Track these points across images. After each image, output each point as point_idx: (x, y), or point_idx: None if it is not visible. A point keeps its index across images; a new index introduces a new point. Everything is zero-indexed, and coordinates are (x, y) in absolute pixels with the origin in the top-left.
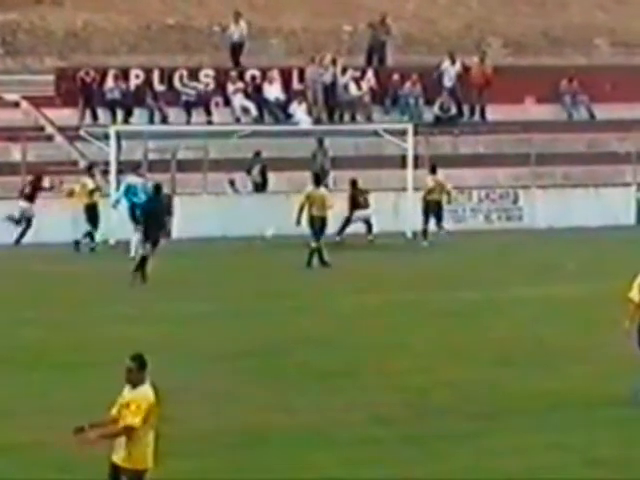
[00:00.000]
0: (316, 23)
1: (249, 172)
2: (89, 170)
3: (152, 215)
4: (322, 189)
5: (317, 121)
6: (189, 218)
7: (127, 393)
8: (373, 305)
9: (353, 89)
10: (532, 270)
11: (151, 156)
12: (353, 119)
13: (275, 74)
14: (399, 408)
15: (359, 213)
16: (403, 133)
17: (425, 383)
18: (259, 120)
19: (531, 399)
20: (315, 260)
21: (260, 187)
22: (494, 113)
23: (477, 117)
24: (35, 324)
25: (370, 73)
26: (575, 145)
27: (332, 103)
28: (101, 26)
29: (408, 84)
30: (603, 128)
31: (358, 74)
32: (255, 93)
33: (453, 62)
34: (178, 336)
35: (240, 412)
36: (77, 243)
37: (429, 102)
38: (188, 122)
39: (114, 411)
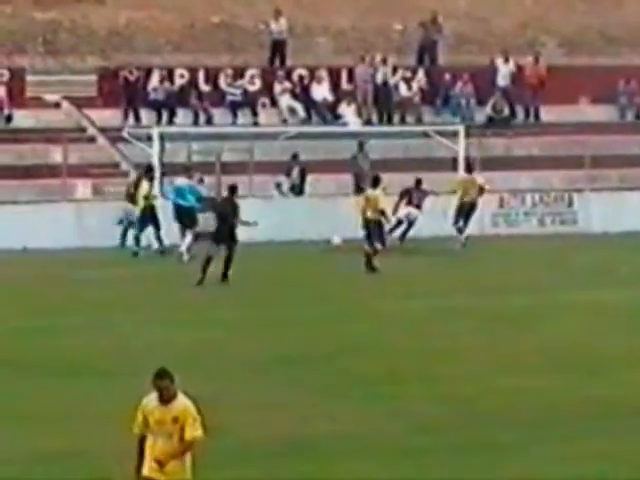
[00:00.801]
0: (365, 21)
1: (288, 175)
2: (147, 173)
3: (223, 217)
4: (377, 191)
5: (366, 122)
6: None
7: (161, 408)
8: (420, 311)
9: (403, 89)
10: (586, 275)
11: (195, 158)
12: (403, 120)
13: (323, 74)
14: (444, 417)
15: (409, 211)
16: (454, 134)
17: (471, 391)
18: (306, 121)
19: (580, 407)
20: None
21: (298, 190)
22: (548, 114)
23: (531, 118)
24: (74, 330)
25: (421, 73)
26: (631, 147)
27: (382, 104)
28: (144, 24)
29: (459, 84)
30: None
31: (408, 74)
32: (302, 93)
33: (506, 61)
34: (220, 342)
35: (282, 420)
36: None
37: (481, 103)
38: (233, 123)
39: (136, 429)
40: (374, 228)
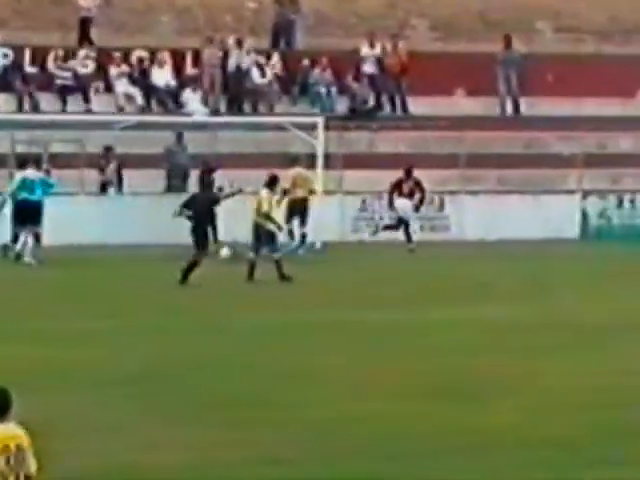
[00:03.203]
0: None
1: (101, 170)
2: (21, 166)
3: (198, 216)
4: (264, 192)
5: (214, 112)
6: (62, 222)
7: None
8: (277, 325)
9: (256, 75)
10: (459, 289)
11: (19, 149)
12: (255, 110)
13: (165, 56)
14: (301, 446)
15: (403, 204)
16: (312, 127)
17: (331, 417)
18: (145, 109)
19: (457, 437)
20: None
21: (116, 187)
22: (418, 106)
23: (398, 111)
24: None
25: (276, 57)
26: (511, 145)
27: (233, 91)
28: None
29: (318, 70)
30: (544, 126)
31: (262, 58)
32: (142, 78)
33: (372, 46)
34: (57, 358)
35: (121, 447)
36: (5, 248)
37: (343, 92)
38: (63, 110)
39: None
40: (263, 234)
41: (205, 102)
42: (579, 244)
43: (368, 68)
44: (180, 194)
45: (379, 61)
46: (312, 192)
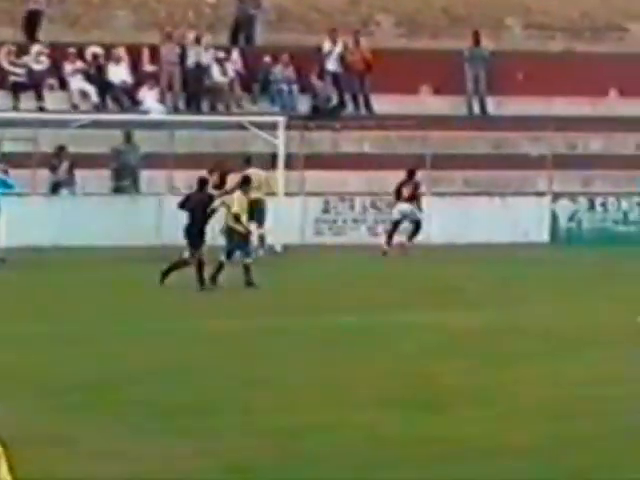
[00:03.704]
0: None
1: (54, 169)
2: None
3: (195, 213)
4: (236, 193)
5: (173, 110)
6: (15, 223)
7: None
8: (235, 331)
9: (215, 72)
10: (424, 293)
11: None
12: (214, 108)
13: (122, 52)
14: (262, 454)
15: (401, 207)
16: (273, 126)
17: (293, 425)
18: (100, 107)
19: (419, 447)
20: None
21: (68, 187)
22: (383, 105)
23: (362, 109)
24: None
25: (235, 54)
26: (479, 145)
27: (193, 89)
28: None
29: (280, 67)
30: (513, 126)
31: (221, 54)
32: (97, 75)
33: (335, 43)
34: (4, 363)
35: (70, 458)
36: None
37: (305, 90)
38: (15, 108)
39: None
40: (236, 238)
41: (163, 100)
42: (549, 248)
43: (331, 65)
44: (133, 195)
45: (342, 58)
46: (272, 193)
